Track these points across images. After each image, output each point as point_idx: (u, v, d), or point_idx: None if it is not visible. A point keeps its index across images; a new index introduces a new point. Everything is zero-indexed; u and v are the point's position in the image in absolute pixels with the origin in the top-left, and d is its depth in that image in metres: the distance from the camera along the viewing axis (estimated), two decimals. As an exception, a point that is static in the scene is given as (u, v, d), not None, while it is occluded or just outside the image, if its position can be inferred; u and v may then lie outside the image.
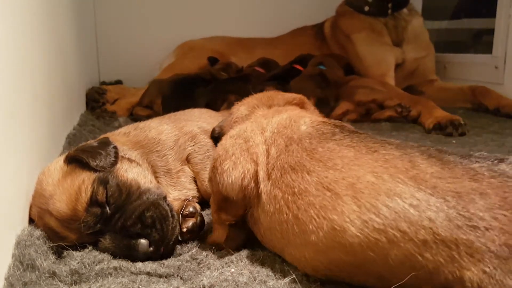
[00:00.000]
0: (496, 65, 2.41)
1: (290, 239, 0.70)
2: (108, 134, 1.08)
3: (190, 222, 0.88)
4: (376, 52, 2.45)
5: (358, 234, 0.60)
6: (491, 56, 2.46)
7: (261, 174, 0.77)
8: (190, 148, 1.08)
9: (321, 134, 0.76)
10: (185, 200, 0.94)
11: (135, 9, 2.96)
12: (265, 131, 0.82)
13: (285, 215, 0.70)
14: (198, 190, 1.08)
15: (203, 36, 2.88)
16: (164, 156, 1.03)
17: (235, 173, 0.79)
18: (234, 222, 0.85)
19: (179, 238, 0.86)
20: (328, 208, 0.64)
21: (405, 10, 2.52)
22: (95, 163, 0.83)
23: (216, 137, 0.98)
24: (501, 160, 0.61)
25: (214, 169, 0.84)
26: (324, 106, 1.96)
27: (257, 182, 0.78)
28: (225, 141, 0.87)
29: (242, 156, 0.81)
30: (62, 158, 0.87)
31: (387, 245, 0.58)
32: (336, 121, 0.84)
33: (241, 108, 0.99)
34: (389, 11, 2.48)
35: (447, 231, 0.55)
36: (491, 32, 2.46)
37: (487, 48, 2.49)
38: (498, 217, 0.54)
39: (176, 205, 0.94)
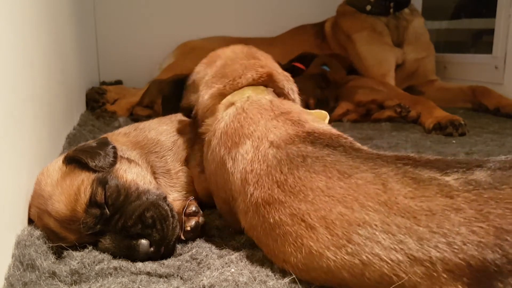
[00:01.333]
0: (496, 65, 2.40)
1: (274, 257, 0.74)
2: (109, 134, 1.07)
3: (193, 221, 0.88)
4: (377, 52, 2.44)
5: (334, 258, 0.63)
6: (491, 56, 2.46)
7: (241, 208, 0.80)
8: (188, 149, 1.08)
9: (291, 160, 0.74)
10: (187, 199, 0.95)
11: (135, 9, 2.96)
12: (234, 173, 0.82)
13: (266, 240, 0.74)
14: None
15: (203, 36, 2.88)
16: (163, 157, 1.03)
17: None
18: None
19: (183, 237, 0.86)
20: (304, 236, 0.67)
21: (406, 10, 2.51)
22: (94, 164, 0.83)
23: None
24: (479, 166, 0.61)
25: None
26: (324, 107, 1.96)
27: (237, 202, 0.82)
28: (208, 166, 0.92)
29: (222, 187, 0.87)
30: (61, 158, 0.87)
31: (361, 266, 0.60)
32: (307, 132, 0.79)
33: (203, 92, 1.00)
34: (391, 10, 2.48)
35: (419, 250, 0.56)
36: (491, 32, 2.46)
37: (487, 48, 2.49)
38: (475, 230, 0.54)
39: (177, 205, 0.94)
